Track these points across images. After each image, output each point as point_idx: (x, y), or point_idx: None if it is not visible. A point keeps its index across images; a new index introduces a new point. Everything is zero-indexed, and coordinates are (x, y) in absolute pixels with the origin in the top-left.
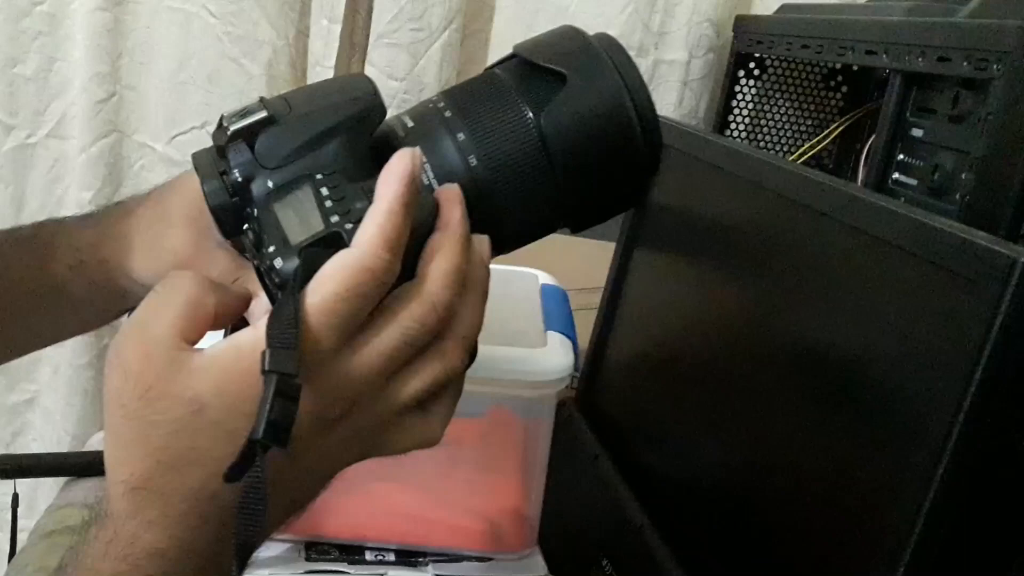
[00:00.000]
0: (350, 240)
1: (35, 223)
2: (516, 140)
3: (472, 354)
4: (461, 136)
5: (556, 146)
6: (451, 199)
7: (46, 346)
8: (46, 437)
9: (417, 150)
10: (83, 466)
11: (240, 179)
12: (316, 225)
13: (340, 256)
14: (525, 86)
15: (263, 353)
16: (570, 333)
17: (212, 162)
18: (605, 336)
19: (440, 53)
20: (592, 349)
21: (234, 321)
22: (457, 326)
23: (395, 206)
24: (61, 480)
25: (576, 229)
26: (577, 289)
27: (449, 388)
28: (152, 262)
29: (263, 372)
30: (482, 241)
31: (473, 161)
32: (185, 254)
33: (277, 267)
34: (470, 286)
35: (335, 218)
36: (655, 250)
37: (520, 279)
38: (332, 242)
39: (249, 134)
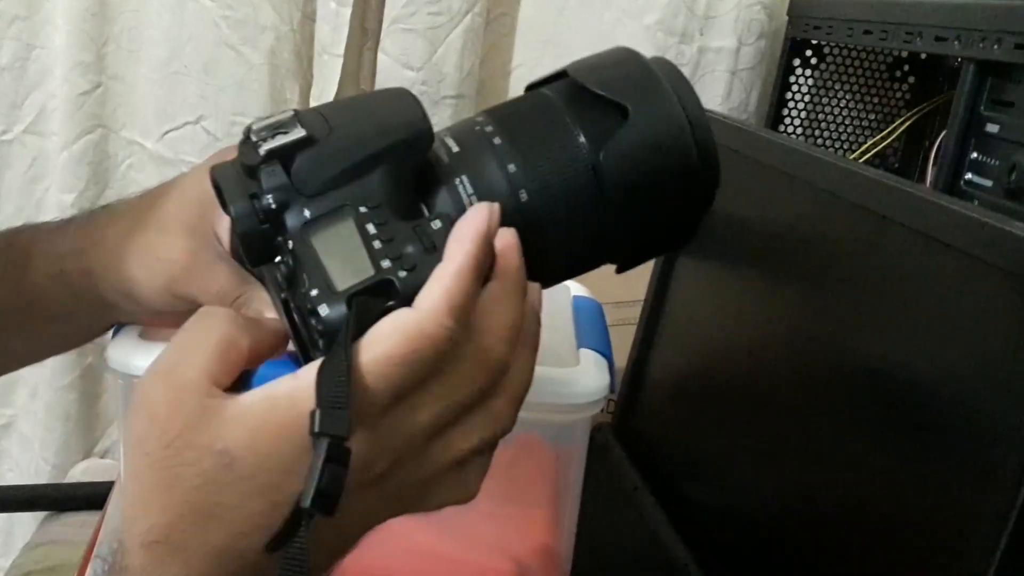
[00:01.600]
0: (404, 290)
1: (10, 229)
2: (571, 175)
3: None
4: (512, 168)
5: (612, 183)
6: (510, 246)
7: (23, 366)
8: (23, 467)
9: (496, 207)
10: (64, 500)
11: (274, 205)
12: (365, 269)
13: (399, 317)
14: (581, 115)
15: (313, 413)
16: (606, 351)
17: (240, 182)
18: (645, 354)
19: (461, 40)
20: (630, 369)
21: (271, 356)
22: (509, 384)
23: (466, 268)
24: (40, 515)
25: (622, 268)
26: (614, 302)
27: (494, 445)
28: (143, 273)
29: (312, 433)
30: (534, 289)
31: (524, 196)
32: (181, 266)
33: (322, 314)
34: (523, 340)
35: (386, 263)
36: (700, 259)
37: (549, 291)
38: (383, 290)
39: (285, 155)
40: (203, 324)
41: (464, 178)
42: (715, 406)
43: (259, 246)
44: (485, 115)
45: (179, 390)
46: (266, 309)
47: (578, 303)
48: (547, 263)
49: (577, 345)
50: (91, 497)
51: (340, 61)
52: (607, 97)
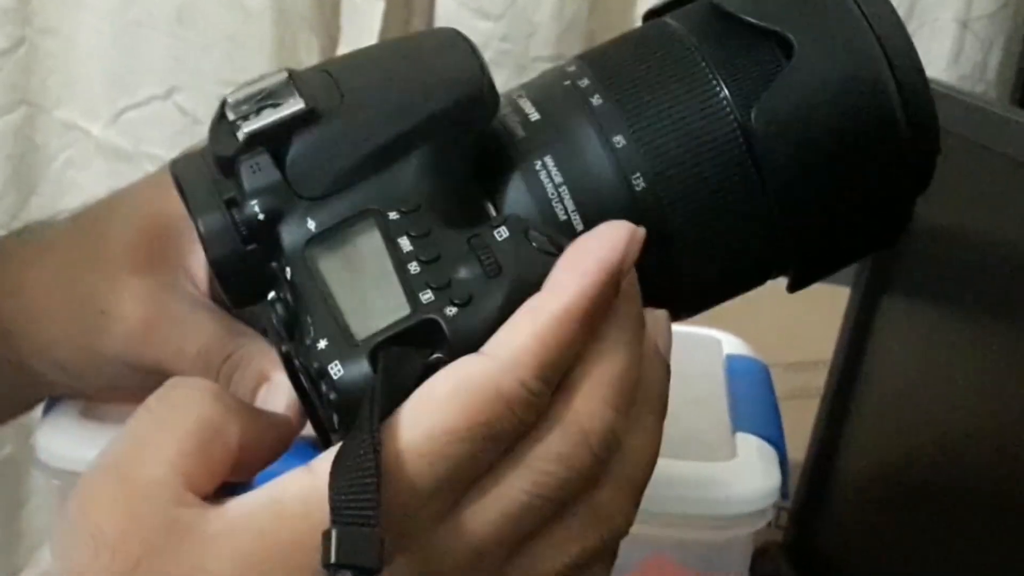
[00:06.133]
0: (455, 336)
1: None
2: (710, 147)
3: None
4: (620, 141)
5: (773, 156)
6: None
7: None
8: None
9: (642, 231)
10: None
11: (261, 215)
12: (396, 306)
13: (462, 368)
14: (723, 56)
15: (327, 533)
16: (774, 436)
17: (210, 182)
18: (833, 442)
19: None
20: (812, 463)
21: (269, 463)
22: (621, 465)
23: (576, 311)
24: None
25: (797, 284)
26: (787, 364)
27: (604, 554)
28: (82, 336)
29: (326, 565)
30: (658, 319)
31: (639, 183)
32: (139, 322)
33: (334, 376)
34: (643, 397)
35: (428, 295)
36: (917, 300)
37: (693, 347)
38: (424, 337)
39: (277, 138)
40: (172, 402)
41: (548, 160)
42: (937, 518)
43: (243, 277)
44: (578, 62)
45: (137, 497)
46: (273, 370)
47: (734, 365)
48: (679, 283)
49: (732, 428)
50: None
51: (381, 6)
52: (761, 26)
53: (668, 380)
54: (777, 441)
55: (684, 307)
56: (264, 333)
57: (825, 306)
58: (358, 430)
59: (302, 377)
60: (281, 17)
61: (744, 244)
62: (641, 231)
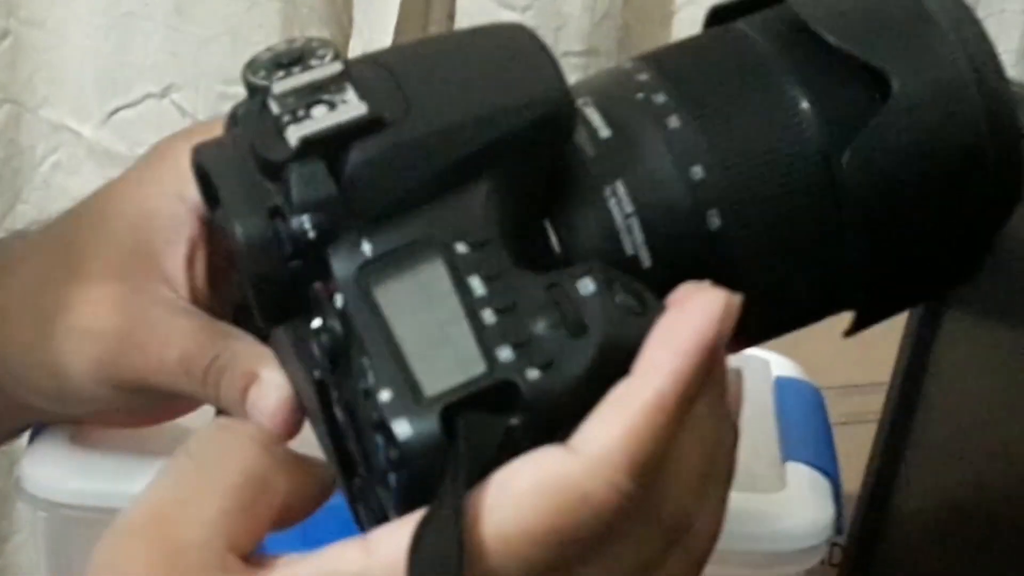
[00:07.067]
0: (534, 401)
1: None
2: (793, 188)
3: None
4: (697, 172)
5: (858, 197)
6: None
7: None
8: None
9: (736, 300)
10: None
11: (312, 232)
12: (469, 358)
13: (546, 464)
14: (807, 78)
15: None
16: (827, 465)
17: (250, 185)
18: (891, 470)
19: None
20: (868, 494)
21: (308, 516)
22: (691, 539)
23: (671, 396)
24: None
25: (859, 325)
26: (841, 386)
27: None
28: (51, 357)
29: None
30: (732, 381)
31: (714, 221)
32: (114, 335)
33: (400, 435)
34: (716, 473)
35: (506, 353)
36: (982, 316)
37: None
38: (500, 398)
39: (334, 147)
40: (216, 449)
41: (619, 186)
42: (1005, 554)
43: (282, 295)
44: (650, 70)
45: (178, 561)
46: (260, 367)
47: (784, 388)
48: (746, 313)
49: (782, 457)
50: None
51: None
52: (853, 55)
53: (736, 445)
54: (830, 471)
55: (743, 339)
56: (263, 339)
57: (882, 324)
58: (436, 517)
59: (338, 411)
60: (288, 8)
61: (815, 284)
62: (736, 300)
